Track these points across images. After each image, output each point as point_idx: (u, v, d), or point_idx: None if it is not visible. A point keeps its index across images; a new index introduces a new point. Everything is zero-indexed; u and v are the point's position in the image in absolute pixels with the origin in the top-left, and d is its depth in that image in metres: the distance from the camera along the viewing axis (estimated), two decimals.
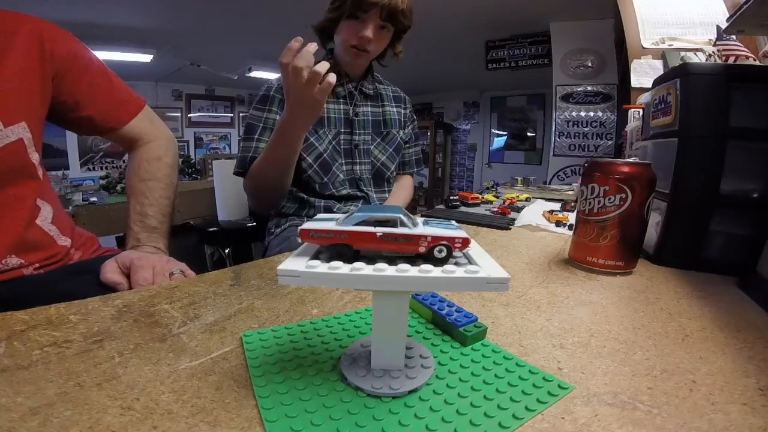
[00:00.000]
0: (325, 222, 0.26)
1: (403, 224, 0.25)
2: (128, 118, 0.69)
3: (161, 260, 0.54)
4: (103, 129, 0.67)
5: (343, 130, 0.94)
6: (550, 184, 2.38)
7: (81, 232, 0.68)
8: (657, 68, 1.42)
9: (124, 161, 4.63)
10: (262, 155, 0.81)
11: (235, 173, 0.89)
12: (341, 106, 0.94)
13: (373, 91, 1.00)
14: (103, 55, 3.23)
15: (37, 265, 0.56)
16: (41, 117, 0.57)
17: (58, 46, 0.57)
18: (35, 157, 0.56)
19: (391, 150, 1.01)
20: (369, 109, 0.99)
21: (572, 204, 1.00)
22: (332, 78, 0.62)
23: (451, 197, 1.10)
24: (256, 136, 0.87)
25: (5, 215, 0.52)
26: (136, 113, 0.70)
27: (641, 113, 0.94)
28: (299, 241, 0.26)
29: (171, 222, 0.69)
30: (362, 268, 0.23)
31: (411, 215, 0.28)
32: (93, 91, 0.63)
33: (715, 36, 1.10)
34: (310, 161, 0.90)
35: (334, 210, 0.92)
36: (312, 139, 0.89)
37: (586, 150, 2.75)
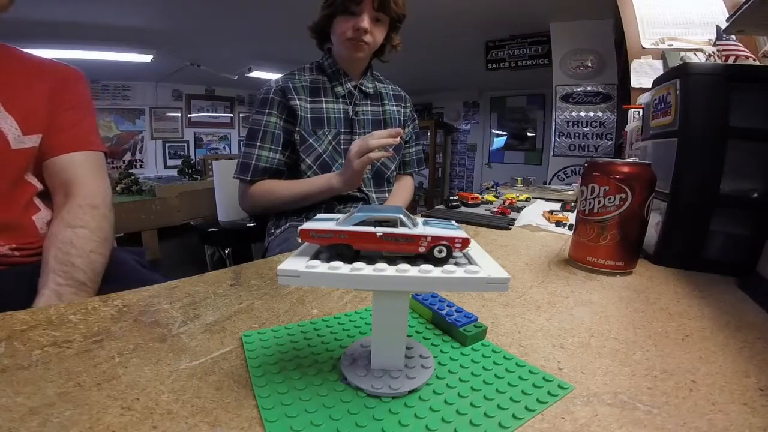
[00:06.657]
0: (325, 222, 0.26)
1: (403, 224, 0.25)
2: (68, 150, 0.60)
3: None
4: (41, 152, 0.59)
5: (343, 130, 0.93)
6: (550, 184, 2.38)
7: None
8: (657, 68, 1.43)
9: (124, 161, 4.61)
10: (290, 190, 0.87)
11: (236, 178, 0.90)
12: (341, 106, 0.94)
13: (372, 90, 0.99)
14: (103, 55, 3.23)
15: (14, 245, 0.56)
16: None
17: (67, 91, 0.64)
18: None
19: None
20: (369, 108, 0.98)
21: (572, 204, 1.00)
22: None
23: (451, 197, 1.10)
24: (257, 143, 0.88)
25: None
26: (82, 149, 0.61)
27: (641, 113, 0.95)
28: (299, 241, 0.26)
29: (98, 289, 0.51)
30: (362, 268, 0.23)
31: (411, 215, 0.28)
32: (61, 119, 0.61)
33: (715, 36, 1.10)
34: (309, 162, 0.90)
35: (334, 211, 0.92)
36: (311, 140, 0.89)
37: (586, 150, 2.74)
